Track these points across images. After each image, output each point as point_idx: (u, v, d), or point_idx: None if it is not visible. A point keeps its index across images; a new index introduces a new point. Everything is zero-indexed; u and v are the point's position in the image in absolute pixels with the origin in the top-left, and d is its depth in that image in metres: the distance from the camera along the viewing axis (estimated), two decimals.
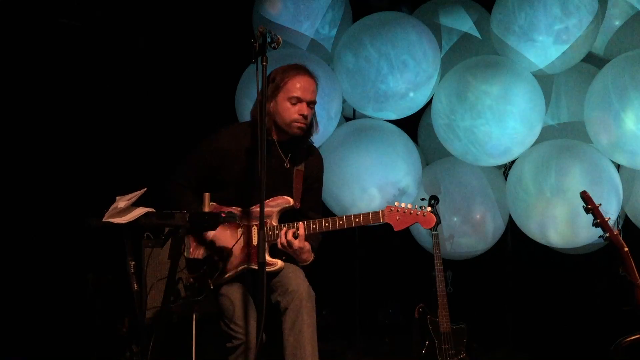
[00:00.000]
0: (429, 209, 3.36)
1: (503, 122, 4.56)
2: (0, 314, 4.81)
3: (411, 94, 4.76)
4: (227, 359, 3.39)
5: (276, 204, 3.39)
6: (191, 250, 3.41)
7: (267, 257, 3.35)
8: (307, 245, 3.34)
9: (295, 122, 3.39)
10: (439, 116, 4.73)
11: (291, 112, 3.38)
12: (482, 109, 4.55)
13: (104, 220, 3.22)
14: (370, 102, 4.78)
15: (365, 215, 3.32)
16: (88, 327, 4.88)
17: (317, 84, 3.45)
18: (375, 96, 4.72)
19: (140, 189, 3.26)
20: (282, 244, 3.33)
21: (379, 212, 3.33)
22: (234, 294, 3.37)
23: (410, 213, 3.34)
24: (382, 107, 4.81)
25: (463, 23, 5.08)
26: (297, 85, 3.37)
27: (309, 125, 3.45)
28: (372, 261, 5.63)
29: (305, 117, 3.39)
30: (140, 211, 3.20)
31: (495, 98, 4.54)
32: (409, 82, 4.70)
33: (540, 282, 5.53)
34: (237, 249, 3.37)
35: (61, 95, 5.16)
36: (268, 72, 3.21)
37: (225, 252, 3.37)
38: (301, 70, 3.43)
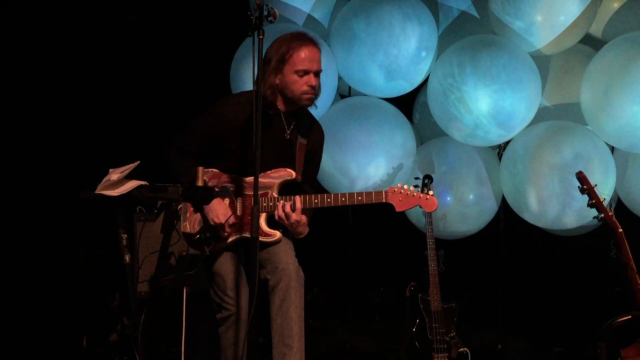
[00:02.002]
0: (432, 192, 3.38)
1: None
2: None
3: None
4: (218, 330, 3.38)
5: (278, 176, 3.38)
6: (188, 215, 3.39)
7: (266, 228, 3.36)
8: (303, 219, 3.34)
9: (305, 94, 3.37)
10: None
11: (300, 85, 3.35)
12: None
13: (96, 192, 3.20)
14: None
15: (369, 194, 3.34)
16: (80, 300, 4.88)
17: (320, 51, 3.42)
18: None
19: (133, 162, 3.24)
20: (279, 216, 3.33)
21: (382, 192, 3.34)
22: (226, 265, 3.36)
23: (413, 195, 3.36)
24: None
25: (461, 2, 5.04)
26: (303, 57, 3.33)
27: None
28: (365, 240, 5.63)
29: (314, 87, 3.37)
30: (133, 184, 3.19)
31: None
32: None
33: (532, 263, 5.56)
34: (234, 217, 3.35)
35: (52, 67, 5.11)
36: (267, 44, 3.18)
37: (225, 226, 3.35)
38: (304, 39, 3.39)
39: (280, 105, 3.42)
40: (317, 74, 3.38)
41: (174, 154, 3.38)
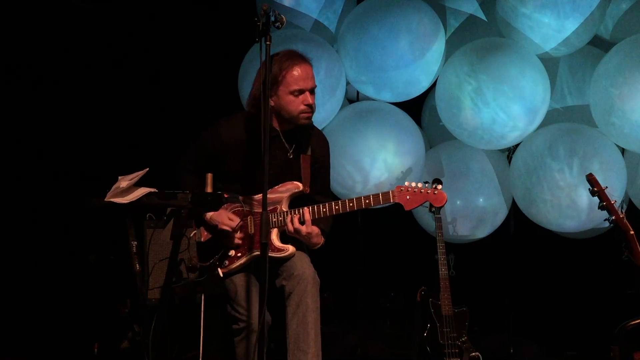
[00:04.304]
0: (440, 186, 3.37)
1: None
2: (1, 295, 4.82)
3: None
4: (233, 340, 3.38)
5: (286, 190, 3.37)
6: (202, 239, 3.40)
7: (278, 243, 3.36)
8: (315, 230, 3.33)
9: (303, 112, 3.36)
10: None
11: (296, 104, 3.34)
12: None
13: (106, 200, 3.21)
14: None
15: (375, 196, 3.32)
16: (90, 307, 4.88)
17: (312, 67, 3.39)
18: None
19: (142, 169, 3.24)
20: (289, 231, 3.33)
21: (389, 192, 3.33)
22: (237, 277, 3.38)
23: (421, 192, 3.35)
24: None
25: (468, 5, 5.03)
26: (297, 76, 3.31)
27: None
28: (375, 244, 5.62)
29: (310, 106, 3.36)
30: (142, 191, 3.19)
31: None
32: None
33: (543, 266, 5.53)
34: (246, 238, 3.36)
35: (62, 74, 5.13)
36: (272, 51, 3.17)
37: (236, 241, 3.38)
38: (295, 58, 3.35)
39: (276, 125, 3.40)
40: (312, 91, 3.36)
41: (180, 172, 3.49)
